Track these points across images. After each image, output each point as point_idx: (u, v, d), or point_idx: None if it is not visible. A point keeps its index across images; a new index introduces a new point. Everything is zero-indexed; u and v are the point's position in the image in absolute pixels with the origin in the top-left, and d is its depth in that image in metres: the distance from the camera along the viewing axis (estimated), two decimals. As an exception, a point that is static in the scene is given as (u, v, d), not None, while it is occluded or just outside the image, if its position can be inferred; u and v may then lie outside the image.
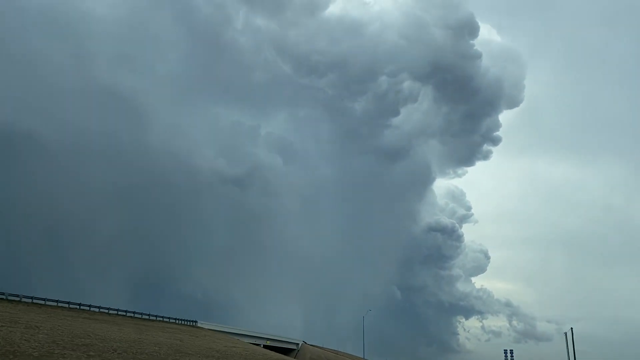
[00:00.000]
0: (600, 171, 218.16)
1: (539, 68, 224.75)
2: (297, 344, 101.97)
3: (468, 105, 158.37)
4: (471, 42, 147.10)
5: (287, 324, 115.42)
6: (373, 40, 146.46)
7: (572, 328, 46.31)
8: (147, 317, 56.36)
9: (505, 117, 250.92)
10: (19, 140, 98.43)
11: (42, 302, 41.37)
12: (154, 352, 32.39)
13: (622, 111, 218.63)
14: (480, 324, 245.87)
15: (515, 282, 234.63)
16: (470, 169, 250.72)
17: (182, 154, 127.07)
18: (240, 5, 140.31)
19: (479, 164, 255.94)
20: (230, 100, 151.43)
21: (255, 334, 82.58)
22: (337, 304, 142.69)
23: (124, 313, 51.44)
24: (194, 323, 63.62)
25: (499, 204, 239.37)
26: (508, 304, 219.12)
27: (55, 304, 43.05)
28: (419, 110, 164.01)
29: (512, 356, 62.78)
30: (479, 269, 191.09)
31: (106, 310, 49.38)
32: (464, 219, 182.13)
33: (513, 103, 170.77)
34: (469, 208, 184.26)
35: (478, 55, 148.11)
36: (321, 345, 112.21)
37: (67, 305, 44.80)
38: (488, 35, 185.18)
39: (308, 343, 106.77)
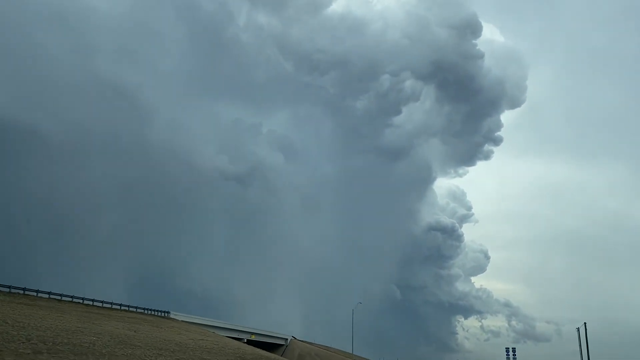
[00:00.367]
0: (601, 172, 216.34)
1: (541, 69, 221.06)
2: (286, 339, 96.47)
3: (470, 105, 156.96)
4: (474, 41, 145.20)
5: (286, 320, 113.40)
6: (375, 38, 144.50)
7: (585, 323, 40.79)
8: (112, 306, 51.19)
9: (507, 117, 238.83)
10: (20, 134, 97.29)
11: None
12: (87, 343, 26.74)
13: (624, 113, 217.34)
14: (480, 323, 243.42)
15: (515, 283, 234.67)
16: (471, 169, 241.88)
17: (183, 151, 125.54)
18: (243, 3, 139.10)
19: (480, 164, 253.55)
20: (232, 98, 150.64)
21: (238, 327, 77.14)
22: (337, 302, 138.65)
23: (80, 300, 46.02)
24: (166, 314, 58.06)
25: (500, 204, 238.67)
26: (507, 304, 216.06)
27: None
28: (421, 110, 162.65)
29: (514, 355, 57.23)
30: (479, 268, 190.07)
31: (58, 297, 43.96)
32: (464, 218, 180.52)
33: (515, 103, 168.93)
34: (469, 208, 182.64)
35: (480, 55, 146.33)
36: (312, 341, 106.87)
37: (7, 290, 39.39)
38: (491, 35, 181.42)
39: (298, 339, 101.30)
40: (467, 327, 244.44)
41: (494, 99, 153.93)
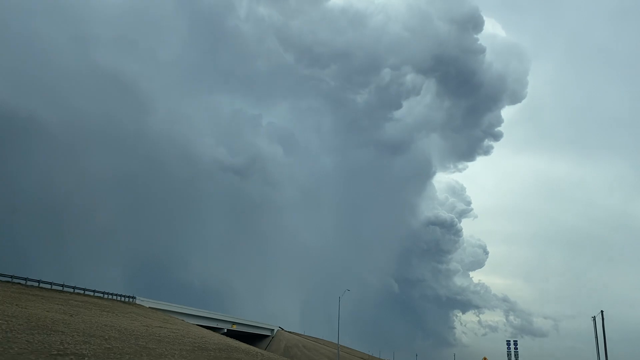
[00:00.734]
0: (601, 169, 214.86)
1: (543, 64, 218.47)
2: (272, 329, 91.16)
3: (470, 100, 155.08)
4: (475, 36, 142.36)
5: (284, 313, 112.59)
6: (376, 32, 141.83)
7: (602, 312, 35.33)
8: (74, 290, 46.01)
9: (507, 112, 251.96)
10: (18, 123, 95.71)
11: None
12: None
13: (624, 109, 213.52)
14: (477, 318, 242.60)
15: (513, 278, 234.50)
16: (471, 164, 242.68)
17: (182, 141, 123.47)
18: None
19: (480, 159, 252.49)
20: (232, 89, 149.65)
21: (217, 316, 71.74)
22: (335, 294, 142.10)
23: (23, 281, 40.35)
24: (132, 299, 52.56)
25: (499, 200, 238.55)
26: (505, 299, 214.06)
27: None
28: (421, 104, 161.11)
29: (515, 348, 51.89)
30: (477, 263, 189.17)
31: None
32: (463, 213, 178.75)
33: (516, 99, 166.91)
34: (468, 203, 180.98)
35: (482, 50, 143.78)
36: (301, 333, 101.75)
37: None
38: (492, 30, 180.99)
39: (285, 330, 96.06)
40: (465, 322, 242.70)
41: (495, 94, 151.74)
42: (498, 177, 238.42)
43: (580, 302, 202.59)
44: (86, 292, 47.67)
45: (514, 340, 52.67)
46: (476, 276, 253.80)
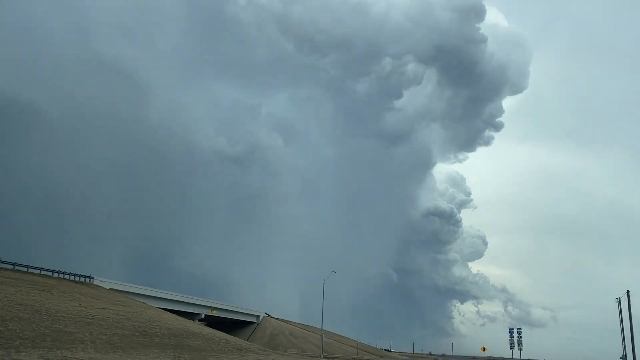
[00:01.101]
0: (602, 160, 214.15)
1: (545, 54, 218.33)
2: (258, 316, 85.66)
3: (472, 90, 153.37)
4: (477, 25, 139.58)
5: (284, 302, 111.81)
6: (378, 20, 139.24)
7: (628, 292, 29.76)
8: (28, 269, 40.67)
9: (508, 103, 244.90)
10: (19, 110, 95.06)
11: None
12: None
13: (626, 100, 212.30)
14: (476, 308, 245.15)
15: (512, 269, 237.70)
16: (471, 155, 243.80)
17: (182, 131, 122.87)
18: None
19: (480, 150, 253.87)
20: (232, 78, 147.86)
21: (194, 301, 66.02)
22: (334, 284, 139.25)
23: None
24: (89, 279, 46.79)
25: (499, 191, 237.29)
26: (504, 290, 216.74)
27: None
28: (422, 94, 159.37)
29: (519, 336, 46.22)
30: (476, 254, 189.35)
31: None
32: (463, 204, 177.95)
33: (517, 89, 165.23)
34: (468, 194, 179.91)
35: (484, 40, 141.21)
36: (290, 320, 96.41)
37: None
38: (495, 19, 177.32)
39: (272, 316, 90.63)
40: (463, 312, 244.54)
41: (496, 84, 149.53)
42: (498, 167, 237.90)
43: (578, 293, 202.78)
44: (30, 269, 41.89)
45: (517, 328, 47.07)
46: (475, 267, 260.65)
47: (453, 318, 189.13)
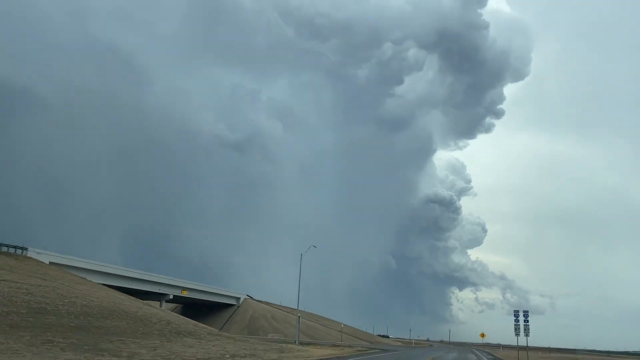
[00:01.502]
0: (602, 149, 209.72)
1: (547, 41, 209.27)
2: (238, 298, 79.14)
3: (473, 76, 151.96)
4: (479, 11, 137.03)
5: (283, 288, 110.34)
6: (379, 5, 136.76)
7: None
8: None
9: (510, 90, 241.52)
10: (17, 95, 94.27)
11: None
12: None
13: (628, 88, 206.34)
14: (474, 295, 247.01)
15: (511, 256, 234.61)
16: (471, 142, 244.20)
17: (181, 116, 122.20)
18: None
19: (481, 137, 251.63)
20: (231, 63, 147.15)
21: (162, 280, 59.20)
22: (333, 271, 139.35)
23: None
24: (22, 250, 39.87)
25: (499, 178, 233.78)
26: (502, 277, 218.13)
27: None
28: (423, 80, 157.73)
29: (526, 320, 39.49)
30: (476, 241, 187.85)
31: None
32: (463, 191, 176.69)
33: (518, 76, 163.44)
34: (468, 181, 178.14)
35: (486, 25, 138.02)
36: (272, 303, 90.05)
37: None
38: (497, 5, 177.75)
39: (254, 298, 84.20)
40: (462, 299, 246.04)
41: (498, 70, 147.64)
42: (499, 155, 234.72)
43: (577, 281, 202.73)
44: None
45: (524, 311, 40.18)
46: (474, 254, 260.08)
47: (451, 305, 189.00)
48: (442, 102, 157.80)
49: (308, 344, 44.57)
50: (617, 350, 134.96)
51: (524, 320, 39.74)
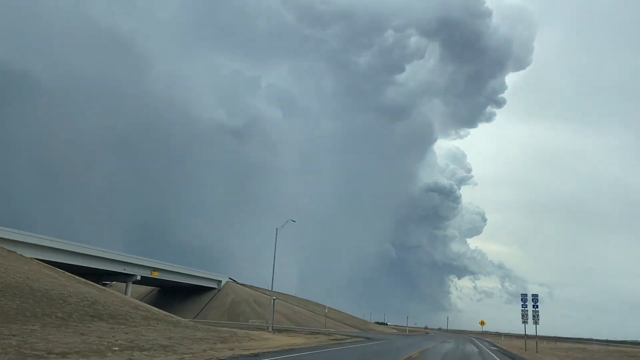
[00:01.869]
0: (603, 139, 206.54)
1: (550, 29, 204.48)
2: (219, 281, 73.44)
3: (474, 65, 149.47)
4: None
5: (282, 277, 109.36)
6: None
7: None
8: None
9: (511, 79, 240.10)
10: (16, 79, 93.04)
11: None
12: None
13: (631, 78, 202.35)
14: (473, 284, 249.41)
15: (510, 245, 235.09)
16: (472, 131, 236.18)
17: (180, 102, 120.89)
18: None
19: (482, 126, 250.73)
20: (231, 49, 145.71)
21: (128, 259, 53.32)
22: (333, 259, 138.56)
23: None
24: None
25: (500, 167, 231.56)
26: (501, 266, 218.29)
27: None
28: (425, 68, 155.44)
29: (535, 305, 33.65)
30: (475, 230, 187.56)
31: None
32: (463, 180, 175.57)
33: (520, 65, 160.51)
34: (469, 170, 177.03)
35: (488, 13, 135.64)
36: (258, 287, 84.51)
37: None
38: None
39: (238, 282, 78.55)
40: (461, 287, 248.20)
41: (500, 59, 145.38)
42: (499, 144, 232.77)
43: (575, 270, 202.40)
44: None
45: (533, 296, 34.30)
46: (473, 243, 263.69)
47: (450, 293, 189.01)
48: (443, 91, 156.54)
49: (284, 330, 38.83)
50: (615, 339, 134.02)
51: (533, 306, 33.94)
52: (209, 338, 20.38)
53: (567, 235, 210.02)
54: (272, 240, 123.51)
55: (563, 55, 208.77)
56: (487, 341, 56.87)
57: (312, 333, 36.36)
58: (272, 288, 42.01)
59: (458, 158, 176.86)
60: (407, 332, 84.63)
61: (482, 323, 77.11)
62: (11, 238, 37.27)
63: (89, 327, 18.19)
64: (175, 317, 27.70)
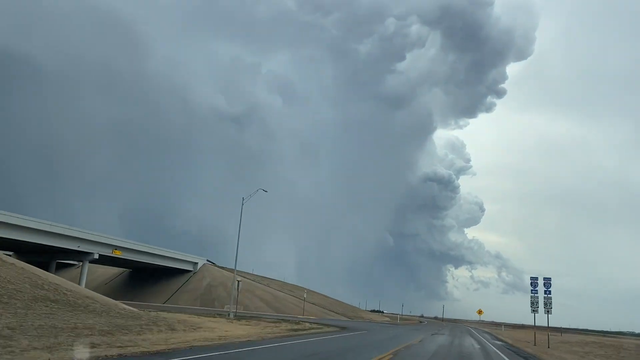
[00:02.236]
0: (603, 130, 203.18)
1: (552, 19, 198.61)
2: (195, 263, 67.59)
3: (476, 55, 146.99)
4: None
5: (281, 263, 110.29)
6: None
7: None
8: None
9: (512, 69, 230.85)
10: (14, 63, 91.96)
11: None
12: None
13: (633, 69, 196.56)
14: (470, 273, 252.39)
15: (507, 235, 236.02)
16: (472, 121, 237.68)
17: (179, 87, 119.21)
18: None
19: (482, 116, 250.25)
20: (231, 35, 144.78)
21: (77, 234, 47.23)
22: (331, 247, 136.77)
23: None
24: None
25: (499, 158, 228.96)
26: (498, 256, 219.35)
27: None
28: (425, 57, 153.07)
29: (548, 290, 27.80)
30: (473, 220, 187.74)
31: None
32: (462, 170, 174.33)
33: (522, 55, 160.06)
34: (468, 160, 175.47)
35: (490, 3, 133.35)
36: (240, 270, 78.80)
37: None
38: None
39: (217, 265, 72.72)
40: (457, 277, 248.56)
41: (501, 49, 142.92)
42: (499, 134, 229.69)
43: (572, 262, 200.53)
44: None
45: (545, 279, 28.34)
46: (471, 233, 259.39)
47: (447, 282, 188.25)
48: (444, 80, 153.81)
49: (250, 318, 32.96)
50: (611, 330, 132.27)
51: (545, 292, 27.99)
52: (115, 326, 14.40)
53: (566, 226, 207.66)
54: (271, 226, 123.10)
55: (565, 46, 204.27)
56: (486, 332, 51.09)
57: (280, 321, 30.46)
58: (235, 267, 36.27)
59: (457, 148, 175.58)
60: (399, 321, 79.08)
61: (480, 312, 71.66)
62: None
63: None
64: (91, 299, 21.65)
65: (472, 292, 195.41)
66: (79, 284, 49.44)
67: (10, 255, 38.48)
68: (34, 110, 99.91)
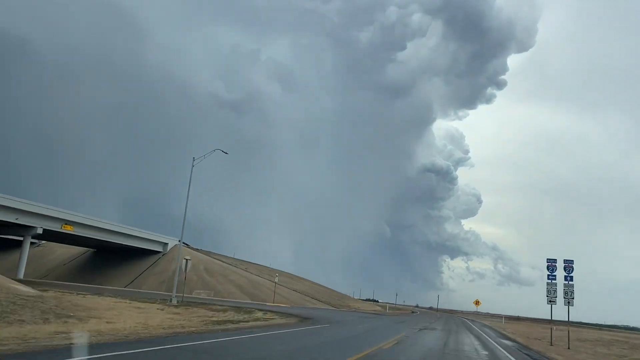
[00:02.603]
0: (602, 124, 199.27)
1: (554, 11, 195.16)
2: (165, 244, 61.31)
3: (477, 45, 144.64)
4: None
5: (278, 252, 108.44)
6: None
7: None
8: None
9: (513, 60, 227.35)
10: (12, 46, 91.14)
11: None
12: None
13: (634, 64, 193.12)
14: (466, 265, 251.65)
15: (504, 228, 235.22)
16: (471, 112, 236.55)
17: (178, 74, 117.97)
18: None
19: (481, 108, 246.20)
20: (231, 21, 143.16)
21: (27, 207, 40.97)
22: (329, 236, 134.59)
23: None
24: None
25: (497, 150, 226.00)
26: (495, 248, 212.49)
27: None
28: (426, 46, 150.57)
29: (569, 276, 21.47)
30: (470, 212, 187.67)
31: None
32: (460, 162, 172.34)
33: (523, 47, 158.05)
34: (466, 151, 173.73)
35: None
36: (215, 252, 72.66)
37: None
38: None
39: (192, 247, 66.58)
40: (453, 267, 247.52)
41: (503, 40, 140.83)
42: (498, 126, 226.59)
43: (569, 255, 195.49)
44: None
45: (566, 262, 22.13)
46: (468, 224, 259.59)
47: (442, 273, 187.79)
48: (444, 70, 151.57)
49: (196, 304, 26.86)
50: (606, 323, 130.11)
51: (566, 278, 21.80)
52: None
53: (563, 219, 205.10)
54: (268, 213, 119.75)
55: (566, 39, 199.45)
56: (487, 327, 44.99)
57: (229, 309, 24.33)
58: (181, 238, 30.55)
59: (456, 139, 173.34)
60: (387, 311, 73.32)
61: (477, 303, 66.08)
62: None
63: None
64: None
65: (468, 283, 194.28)
66: (19, 263, 43.25)
67: None
68: (32, 96, 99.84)
